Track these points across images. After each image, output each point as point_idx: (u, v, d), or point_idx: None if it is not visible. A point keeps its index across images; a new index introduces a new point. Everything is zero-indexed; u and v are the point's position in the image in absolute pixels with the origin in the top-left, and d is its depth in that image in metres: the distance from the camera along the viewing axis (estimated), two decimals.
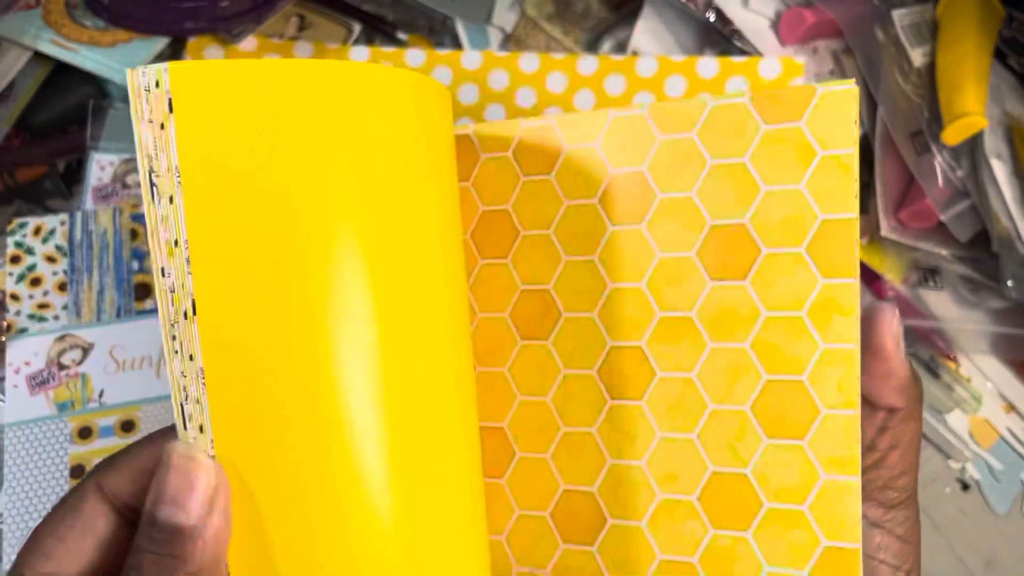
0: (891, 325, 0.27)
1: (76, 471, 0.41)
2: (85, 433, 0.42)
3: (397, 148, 0.24)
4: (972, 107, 0.45)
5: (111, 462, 0.24)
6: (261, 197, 0.22)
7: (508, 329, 0.30)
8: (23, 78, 0.51)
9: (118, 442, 0.42)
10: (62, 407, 0.42)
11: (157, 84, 0.22)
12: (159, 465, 0.21)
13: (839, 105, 0.25)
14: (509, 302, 0.30)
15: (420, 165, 0.25)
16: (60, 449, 0.41)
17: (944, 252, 0.49)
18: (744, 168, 0.26)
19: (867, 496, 0.28)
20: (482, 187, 0.31)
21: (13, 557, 0.39)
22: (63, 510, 0.23)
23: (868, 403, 0.28)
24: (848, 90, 0.24)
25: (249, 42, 0.52)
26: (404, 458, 0.23)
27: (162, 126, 0.21)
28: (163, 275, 0.22)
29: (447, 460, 0.25)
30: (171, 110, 0.21)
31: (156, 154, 0.21)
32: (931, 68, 0.50)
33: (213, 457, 0.21)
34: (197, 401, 0.22)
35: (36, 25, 0.51)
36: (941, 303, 0.50)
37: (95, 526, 0.23)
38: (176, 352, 0.22)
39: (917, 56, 0.50)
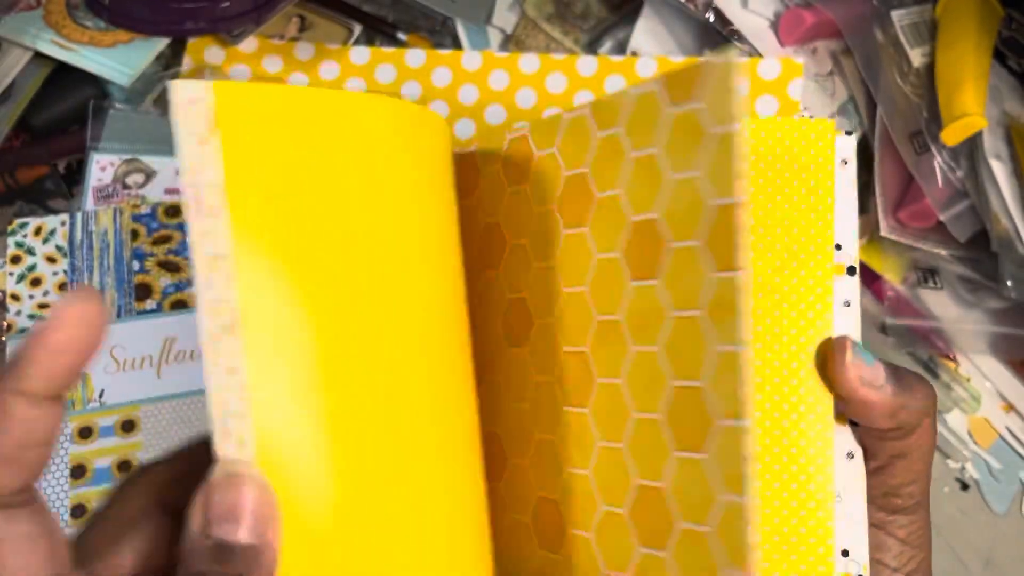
0: (842, 363, 0.27)
1: (76, 471, 0.41)
2: (85, 433, 0.42)
3: (409, 174, 0.25)
4: (971, 107, 0.46)
5: (158, 467, 0.24)
6: (303, 216, 0.22)
7: (500, 336, 0.30)
8: (24, 78, 0.51)
9: (119, 442, 0.42)
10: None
11: (202, 99, 0.21)
12: (205, 484, 0.21)
13: (721, 78, 0.22)
14: (502, 311, 0.30)
15: (424, 192, 0.26)
16: (60, 449, 0.42)
17: (943, 252, 0.49)
18: (654, 159, 0.24)
19: (869, 500, 0.28)
20: (484, 200, 0.31)
21: None
22: (114, 516, 0.23)
23: None
24: (728, 63, 0.22)
25: (249, 43, 0.52)
26: (429, 463, 0.24)
27: (206, 141, 0.21)
28: (208, 288, 0.21)
29: (452, 465, 0.26)
30: (216, 126, 0.22)
31: (202, 167, 0.21)
32: (930, 68, 0.50)
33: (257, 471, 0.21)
34: (239, 416, 0.21)
35: (37, 25, 0.51)
36: (940, 303, 0.50)
37: (149, 534, 0.23)
38: (217, 365, 0.21)
39: (916, 56, 0.50)
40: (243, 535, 0.20)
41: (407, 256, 0.25)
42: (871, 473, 0.28)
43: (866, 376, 0.27)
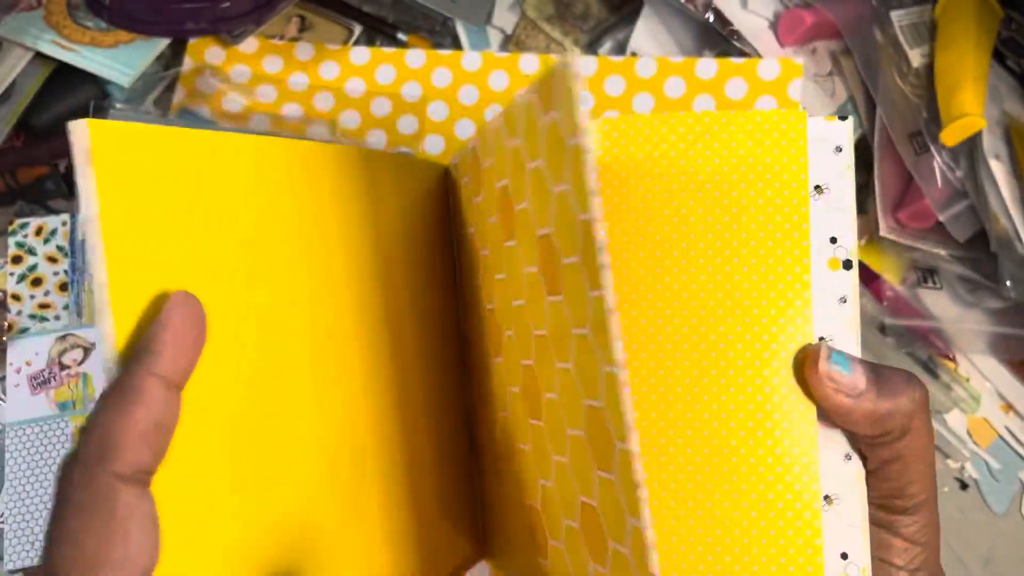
0: (814, 372, 0.26)
1: None
2: None
3: (289, 208, 0.26)
4: (971, 107, 0.46)
5: (111, 444, 0.22)
6: (175, 246, 0.23)
7: (487, 347, 0.30)
8: (24, 78, 0.51)
9: None
10: (63, 407, 0.42)
11: (82, 137, 0.22)
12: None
13: (565, 85, 0.20)
14: (483, 322, 0.30)
15: (308, 221, 0.27)
16: (61, 449, 0.42)
17: (942, 252, 0.49)
18: (540, 171, 0.23)
19: (870, 501, 0.28)
20: (467, 213, 0.31)
21: (13, 556, 0.40)
22: (104, 517, 0.22)
23: None
24: (564, 68, 0.20)
25: (250, 43, 0.52)
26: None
27: (84, 177, 0.22)
28: (99, 313, 0.22)
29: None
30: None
31: (84, 202, 0.22)
32: (930, 69, 0.50)
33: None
34: None
35: (37, 26, 0.51)
36: (939, 303, 0.50)
37: (142, 517, 0.22)
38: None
39: (916, 57, 0.50)
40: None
41: (281, 280, 0.26)
42: (869, 475, 0.27)
43: (843, 384, 0.26)
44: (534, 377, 0.26)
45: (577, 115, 0.20)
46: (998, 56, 0.52)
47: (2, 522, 0.41)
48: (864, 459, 0.28)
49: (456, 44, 0.53)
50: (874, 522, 0.28)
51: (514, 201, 0.26)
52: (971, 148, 0.48)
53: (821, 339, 0.28)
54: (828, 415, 0.27)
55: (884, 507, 0.28)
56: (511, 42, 0.53)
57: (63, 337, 0.44)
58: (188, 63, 0.52)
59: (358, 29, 0.53)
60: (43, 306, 0.44)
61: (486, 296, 0.30)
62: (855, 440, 0.27)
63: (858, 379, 0.26)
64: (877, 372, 0.27)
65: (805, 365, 0.27)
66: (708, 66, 0.49)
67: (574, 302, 0.22)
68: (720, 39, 0.51)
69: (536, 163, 0.23)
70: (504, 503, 0.31)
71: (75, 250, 0.46)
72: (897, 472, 0.27)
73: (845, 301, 0.28)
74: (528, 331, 0.26)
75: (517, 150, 0.25)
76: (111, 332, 0.21)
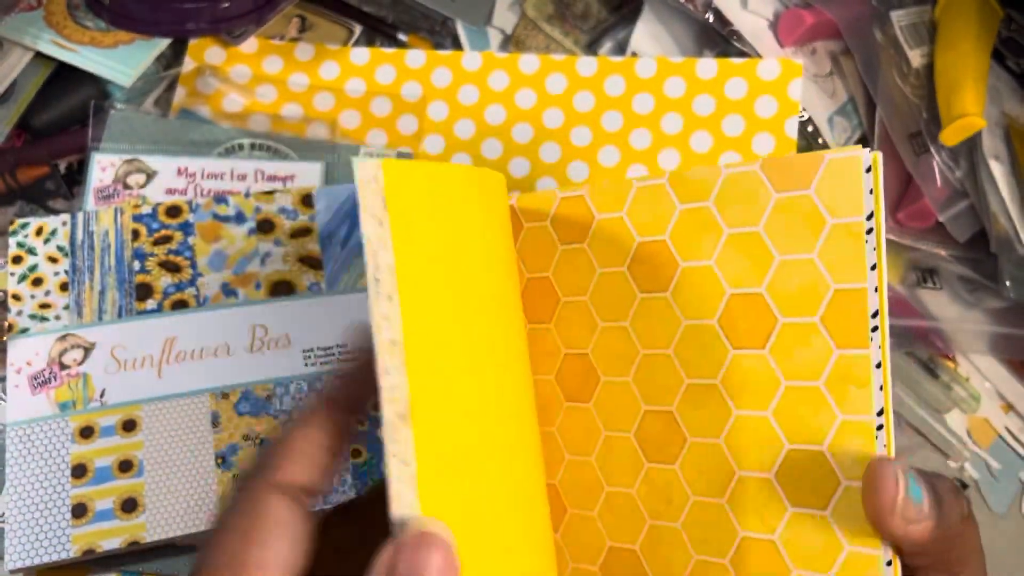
0: (891, 507, 0.23)
1: (77, 470, 0.41)
2: (86, 433, 0.42)
3: (501, 239, 0.28)
4: (970, 108, 0.46)
5: (275, 459, 0.23)
6: (464, 297, 0.25)
7: (555, 390, 0.31)
8: (24, 79, 0.51)
9: (119, 441, 0.42)
10: (63, 407, 0.42)
11: (375, 179, 0.22)
12: (393, 541, 0.21)
13: (846, 172, 0.24)
14: (555, 365, 0.31)
15: (507, 253, 0.30)
16: (61, 449, 0.42)
17: (942, 252, 0.49)
18: (759, 237, 0.26)
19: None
20: (525, 254, 0.32)
21: (13, 556, 0.40)
22: (247, 517, 0.22)
23: None
24: (854, 157, 0.24)
25: (250, 43, 0.53)
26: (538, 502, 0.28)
27: (380, 223, 0.22)
28: (386, 374, 0.22)
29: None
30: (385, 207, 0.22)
31: (378, 250, 0.22)
32: (929, 69, 0.50)
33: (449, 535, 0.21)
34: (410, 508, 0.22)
35: (37, 26, 0.51)
36: (939, 303, 0.50)
37: (289, 526, 0.22)
38: (394, 456, 0.22)
39: (916, 57, 0.50)
40: None
41: (517, 322, 0.28)
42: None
43: (912, 516, 0.23)
44: (671, 423, 0.28)
45: (860, 201, 0.24)
46: (998, 56, 0.52)
47: (2, 522, 0.41)
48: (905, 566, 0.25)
49: (456, 44, 0.53)
50: None
51: (680, 257, 0.28)
52: (971, 148, 0.48)
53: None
54: (892, 539, 0.24)
55: None
56: (511, 42, 0.53)
57: (63, 337, 0.44)
58: (188, 63, 0.52)
59: (358, 29, 0.53)
60: (43, 306, 0.44)
61: (561, 340, 0.31)
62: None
63: (925, 505, 0.23)
64: (933, 488, 0.24)
65: (874, 495, 0.23)
66: (708, 66, 0.49)
67: (788, 356, 0.25)
68: (720, 39, 0.51)
69: (746, 229, 0.26)
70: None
71: (75, 250, 0.46)
72: (953, 560, 0.25)
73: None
74: (673, 380, 0.28)
75: (699, 212, 0.27)
76: (407, 394, 0.22)
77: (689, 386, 0.27)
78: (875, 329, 0.24)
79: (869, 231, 0.24)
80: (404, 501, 0.21)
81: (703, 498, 0.27)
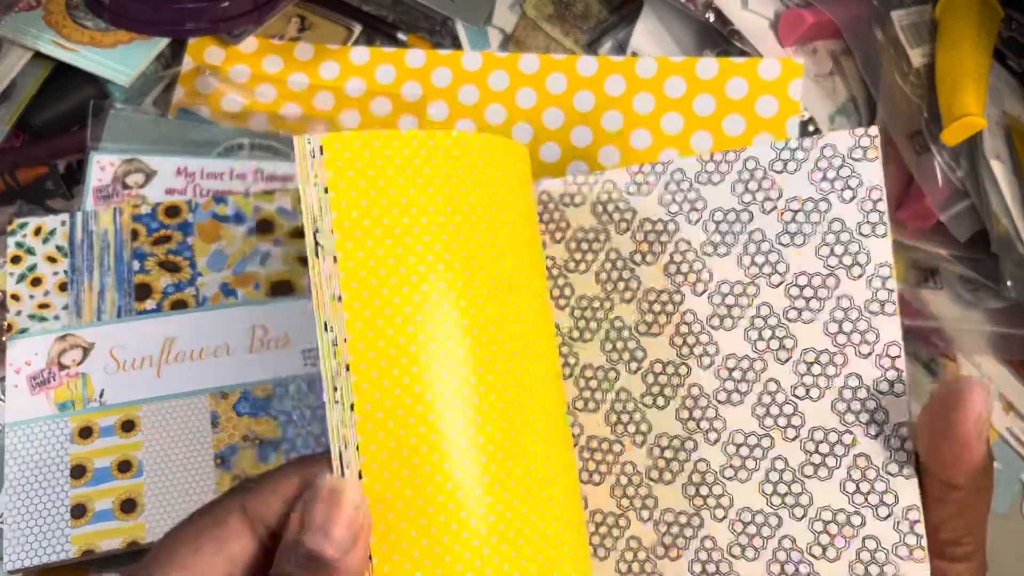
0: (977, 411, 0.23)
1: (76, 471, 0.41)
2: (86, 433, 0.42)
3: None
4: (971, 107, 0.46)
5: (257, 485, 0.24)
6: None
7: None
8: (24, 78, 0.51)
9: (119, 442, 0.42)
10: (62, 407, 0.42)
11: (321, 151, 0.24)
12: (310, 494, 0.22)
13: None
14: None
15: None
16: (60, 449, 0.42)
17: (943, 252, 0.49)
18: None
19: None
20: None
21: (13, 556, 0.39)
22: (204, 522, 0.24)
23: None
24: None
25: (250, 43, 0.52)
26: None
27: (326, 190, 0.24)
28: (326, 329, 0.23)
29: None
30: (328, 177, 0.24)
31: (321, 216, 0.24)
32: (930, 68, 0.50)
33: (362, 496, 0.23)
34: (356, 448, 0.23)
35: (37, 26, 0.51)
36: (940, 303, 0.50)
37: (233, 546, 0.23)
38: (337, 402, 0.23)
39: (916, 56, 0.50)
40: (332, 549, 0.21)
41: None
42: (930, 527, 0.26)
43: (984, 428, 0.23)
44: None
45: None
46: (999, 56, 0.51)
47: (2, 522, 0.41)
48: (928, 512, 0.26)
49: (456, 44, 0.53)
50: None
51: None
52: (972, 148, 0.48)
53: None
54: (948, 461, 0.24)
55: (940, 555, 0.27)
56: (511, 42, 0.53)
57: (63, 337, 0.44)
58: (187, 63, 0.52)
59: (358, 29, 0.53)
60: (43, 306, 0.44)
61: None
62: (932, 490, 0.26)
63: (986, 428, 0.24)
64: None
65: (964, 407, 0.23)
66: (708, 66, 0.49)
67: None
68: (720, 39, 0.51)
69: None
70: None
71: (74, 250, 0.46)
72: (959, 524, 0.26)
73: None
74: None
75: None
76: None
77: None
78: None
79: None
80: (344, 439, 0.23)
81: None
